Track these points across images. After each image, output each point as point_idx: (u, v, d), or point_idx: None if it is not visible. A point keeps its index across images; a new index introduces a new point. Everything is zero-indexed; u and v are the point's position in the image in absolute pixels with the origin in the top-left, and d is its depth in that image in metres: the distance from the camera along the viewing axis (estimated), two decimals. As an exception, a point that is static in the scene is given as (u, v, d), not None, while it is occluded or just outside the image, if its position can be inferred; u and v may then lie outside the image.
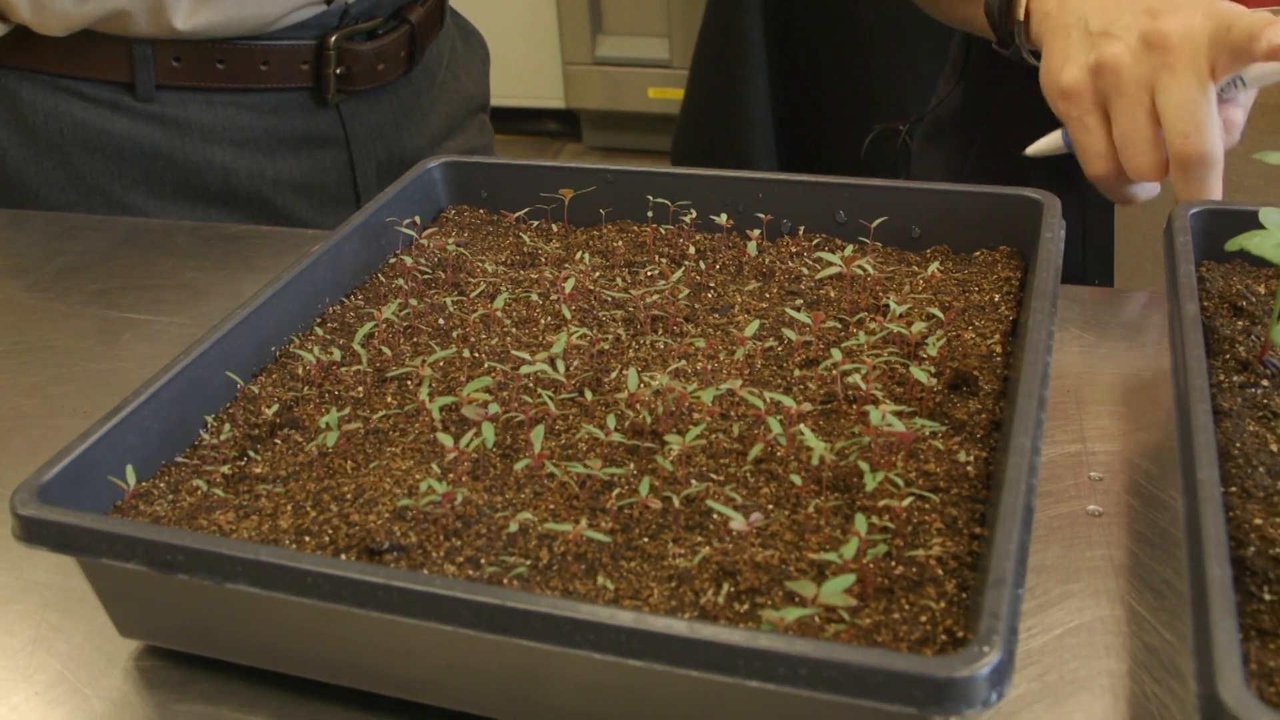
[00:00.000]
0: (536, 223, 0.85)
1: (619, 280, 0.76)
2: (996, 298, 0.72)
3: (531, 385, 0.66)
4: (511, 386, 0.65)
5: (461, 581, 0.49)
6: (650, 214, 0.82)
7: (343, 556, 0.55)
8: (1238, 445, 0.59)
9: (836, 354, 0.64)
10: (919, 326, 0.66)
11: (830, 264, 0.72)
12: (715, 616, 0.51)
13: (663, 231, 0.81)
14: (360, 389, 0.68)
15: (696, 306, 0.73)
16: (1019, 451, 0.53)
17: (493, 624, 0.48)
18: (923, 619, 0.50)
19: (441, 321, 0.73)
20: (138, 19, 1.06)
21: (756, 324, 0.68)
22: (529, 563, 0.54)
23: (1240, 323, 0.68)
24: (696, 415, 0.63)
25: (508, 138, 3.53)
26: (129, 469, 0.59)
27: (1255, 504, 0.56)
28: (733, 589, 0.52)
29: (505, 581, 0.53)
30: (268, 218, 1.19)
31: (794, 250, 0.78)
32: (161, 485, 0.61)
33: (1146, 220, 1.07)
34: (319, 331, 0.73)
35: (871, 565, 0.52)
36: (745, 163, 2.33)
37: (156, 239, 1.03)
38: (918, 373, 0.62)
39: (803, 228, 0.80)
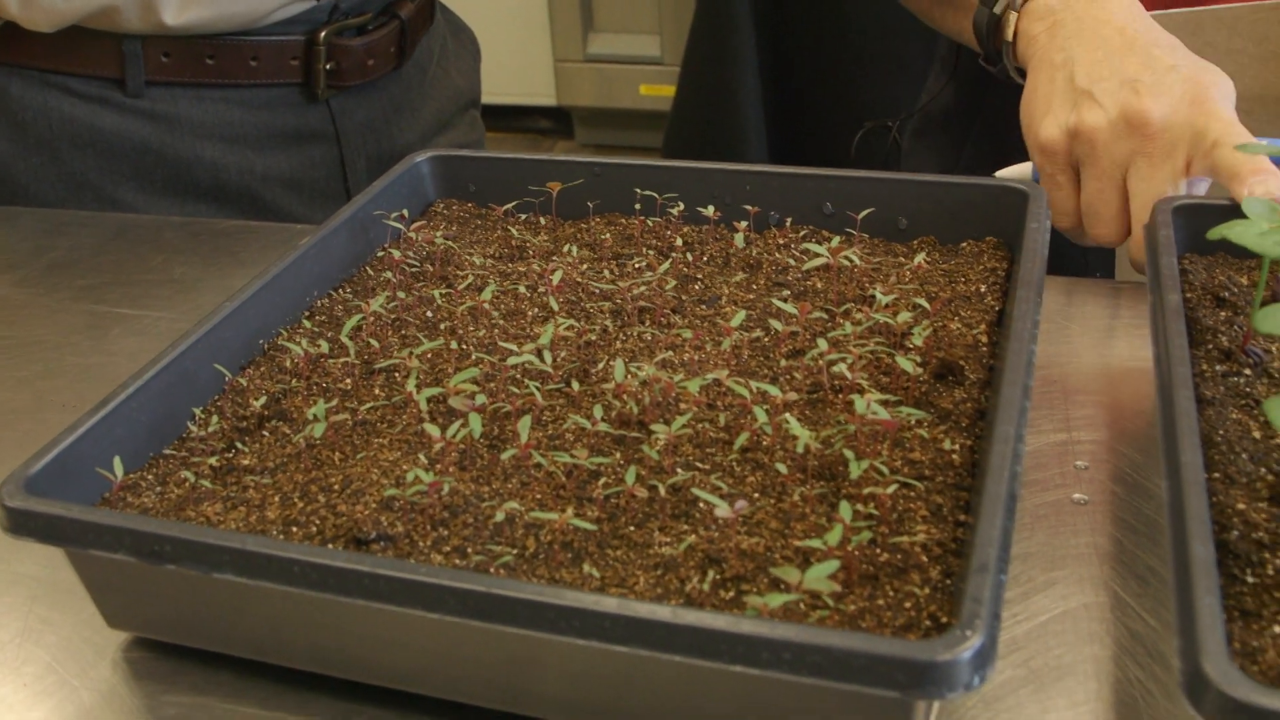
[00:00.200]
0: (525, 216, 0.85)
1: (606, 272, 0.76)
2: (983, 288, 0.72)
3: (519, 376, 0.66)
4: (499, 378, 0.66)
5: (446, 569, 0.49)
6: (638, 206, 0.82)
7: (330, 546, 0.56)
8: (1221, 432, 0.59)
9: (823, 344, 0.64)
10: (904, 316, 0.66)
11: (816, 255, 0.72)
12: (700, 603, 0.51)
13: (650, 224, 0.81)
14: (348, 381, 0.68)
15: (683, 298, 0.73)
16: (1003, 439, 0.54)
17: (478, 611, 0.48)
18: (907, 605, 0.50)
19: (429, 314, 0.73)
20: (127, 15, 1.06)
21: (743, 315, 0.68)
22: (515, 551, 0.54)
23: (1223, 313, 0.68)
24: (683, 405, 0.63)
25: (500, 135, 3.53)
26: (116, 461, 0.59)
27: (1238, 489, 0.56)
28: (718, 576, 0.52)
29: (492, 570, 0.53)
30: (258, 213, 1.19)
31: (781, 242, 0.78)
32: (149, 477, 0.62)
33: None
34: (307, 324, 0.73)
35: (856, 552, 0.52)
36: (736, 159, 2.33)
37: (146, 234, 1.04)
38: (903, 362, 0.62)
39: (790, 219, 0.80)
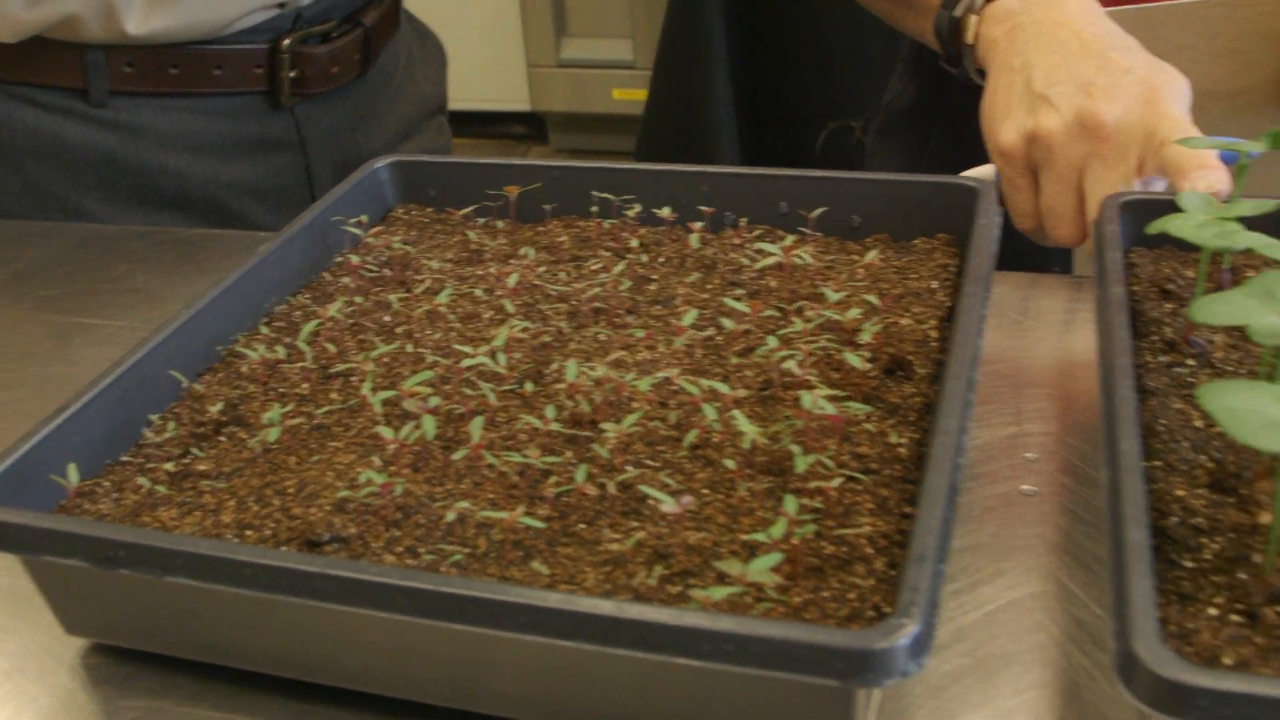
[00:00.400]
0: (484, 220, 0.86)
1: (562, 274, 0.77)
2: (934, 284, 0.73)
3: (473, 379, 0.67)
4: (454, 380, 0.66)
5: (393, 568, 0.50)
6: (594, 209, 0.83)
7: (284, 549, 0.56)
8: (1163, 422, 0.60)
9: (773, 341, 0.65)
10: (854, 313, 0.67)
11: (769, 254, 0.73)
12: (647, 598, 0.52)
13: (607, 226, 0.82)
14: (306, 386, 0.68)
15: (639, 298, 0.74)
16: (945, 432, 0.55)
17: (425, 609, 0.49)
18: (851, 596, 0.51)
19: (387, 318, 0.74)
20: (89, 24, 1.06)
21: (694, 313, 0.69)
22: (467, 551, 0.55)
23: (1168, 305, 0.69)
24: (635, 404, 0.64)
25: (474, 141, 3.53)
26: (72, 468, 0.60)
27: (1178, 477, 0.57)
28: (666, 571, 0.53)
29: (443, 569, 0.54)
30: (223, 222, 1.19)
31: (736, 242, 0.79)
32: (106, 484, 0.62)
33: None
34: (265, 330, 0.74)
35: (801, 545, 0.53)
36: (709, 161, 2.34)
37: (109, 244, 1.04)
38: (851, 358, 0.63)
39: (745, 219, 0.81)
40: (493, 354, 0.67)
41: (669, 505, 0.53)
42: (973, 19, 0.93)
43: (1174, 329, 0.67)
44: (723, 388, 0.62)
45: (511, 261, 0.79)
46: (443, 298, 0.73)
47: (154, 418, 0.66)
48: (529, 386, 0.65)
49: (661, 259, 0.78)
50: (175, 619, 0.57)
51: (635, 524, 0.56)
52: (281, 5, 1.14)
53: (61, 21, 1.05)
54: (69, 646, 0.61)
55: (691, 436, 0.60)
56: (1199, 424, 0.60)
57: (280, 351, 0.70)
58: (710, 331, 0.70)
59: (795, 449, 0.57)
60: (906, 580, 0.47)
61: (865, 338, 0.66)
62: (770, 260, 0.73)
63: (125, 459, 0.64)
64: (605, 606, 0.46)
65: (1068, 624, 0.58)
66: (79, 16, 1.05)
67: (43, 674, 0.60)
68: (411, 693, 0.55)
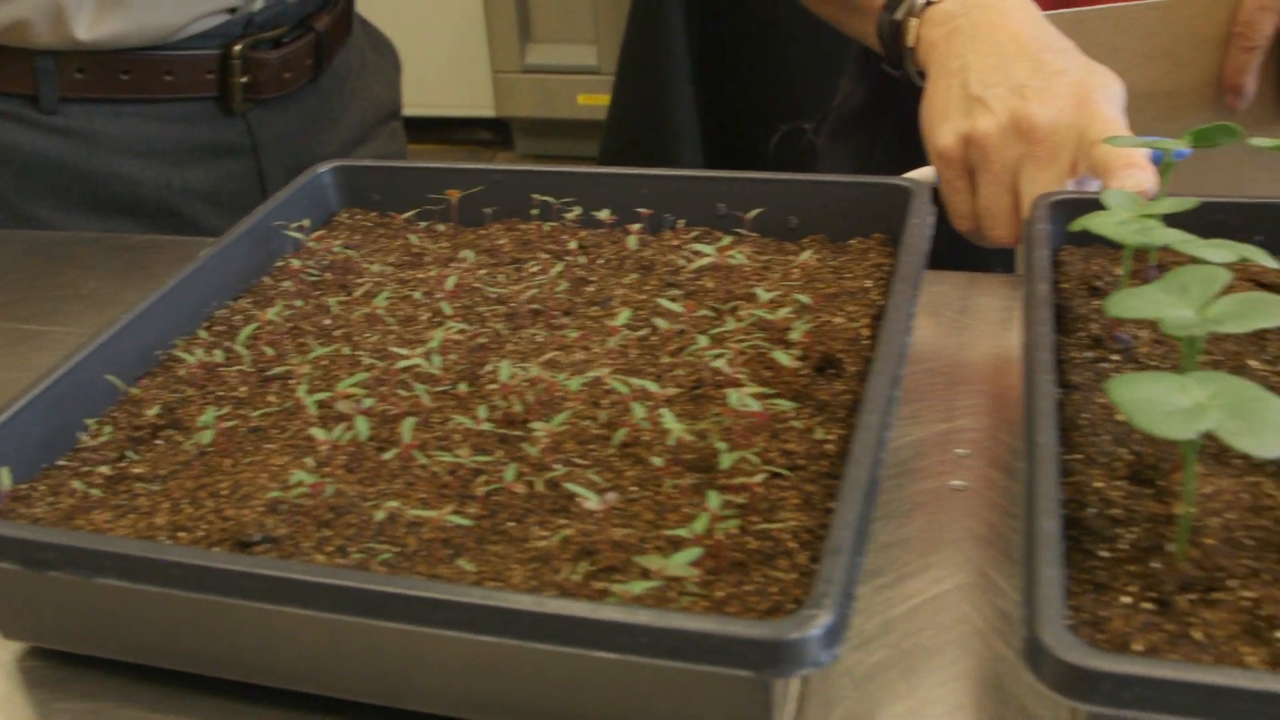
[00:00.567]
0: (425, 224, 0.86)
1: (501, 277, 0.78)
2: (868, 283, 0.74)
3: (409, 380, 0.67)
4: (389, 382, 0.67)
5: (317, 566, 0.50)
6: (535, 212, 0.83)
7: (215, 550, 0.57)
8: (1085, 415, 0.61)
9: (703, 340, 0.66)
10: (784, 312, 0.68)
11: (704, 255, 0.74)
12: (572, 593, 0.52)
13: (547, 229, 0.82)
14: (244, 389, 0.69)
15: (576, 300, 0.75)
16: (867, 427, 0.55)
17: (348, 607, 0.49)
18: (773, 590, 0.52)
19: (327, 321, 0.74)
20: (39, 29, 1.06)
21: (627, 313, 0.70)
22: (397, 549, 0.56)
23: (1096, 302, 0.70)
24: (568, 404, 0.64)
25: (439, 147, 3.54)
26: (5, 472, 0.60)
27: (1098, 469, 0.58)
28: (591, 567, 0.54)
29: (372, 568, 0.54)
30: (177, 228, 1.19)
31: (675, 243, 0.80)
32: (41, 488, 0.62)
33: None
34: (204, 335, 0.74)
35: (726, 540, 0.54)
36: (671, 164, 2.36)
37: (58, 251, 1.04)
38: (780, 356, 0.64)
39: (684, 221, 0.82)
40: (428, 355, 0.67)
41: (593, 502, 0.54)
42: (913, 22, 0.94)
43: (1100, 325, 0.68)
44: (653, 387, 0.62)
45: (451, 264, 0.79)
46: (380, 300, 0.74)
47: (90, 422, 0.67)
48: (463, 387, 0.66)
49: (600, 261, 0.79)
50: (109, 621, 0.57)
51: (563, 521, 0.57)
52: (233, 11, 1.14)
53: (10, 26, 1.05)
54: (6, 650, 0.61)
55: (621, 435, 0.61)
56: (1120, 418, 0.61)
57: (218, 355, 0.70)
58: (645, 332, 0.70)
59: (722, 446, 0.58)
60: (821, 572, 0.48)
61: (795, 336, 0.66)
62: (705, 261, 0.74)
63: (61, 463, 0.64)
64: (523, 601, 0.47)
65: (992, 615, 0.59)
66: (28, 21, 1.05)
67: (-22, 678, 0.60)
68: (343, 691, 0.56)
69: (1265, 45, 0.95)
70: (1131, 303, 0.56)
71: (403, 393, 0.66)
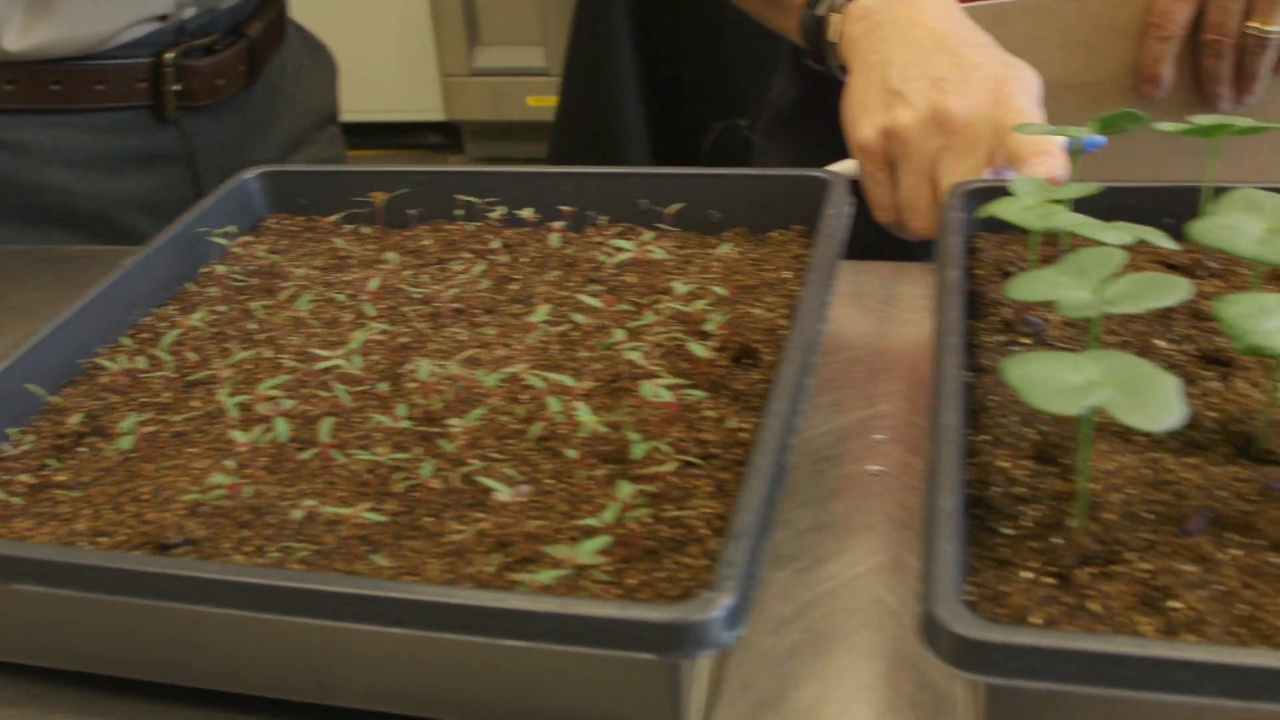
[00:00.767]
0: (353, 227, 0.87)
1: (425, 278, 0.78)
2: (787, 274, 0.75)
3: (330, 381, 0.68)
4: (310, 383, 0.67)
5: (231, 565, 0.51)
6: (459, 212, 0.84)
7: (134, 554, 0.57)
8: (993, 398, 0.63)
9: (621, 334, 0.67)
10: (701, 304, 0.69)
11: (624, 250, 0.75)
12: (486, 585, 0.53)
13: (472, 229, 0.83)
14: (167, 394, 0.69)
15: (499, 298, 0.75)
16: (774, 414, 0.57)
17: (262, 604, 0.50)
18: (684, 576, 0.53)
19: (251, 326, 0.75)
20: (-34, 41, 1.06)
21: (545, 310, 0.70)
22: (315, 548, 0.56)
23: (1008, 286, 0.72)
24: (488, 400, 0.65)
25: (389, 152, 3.53)
26: (-77, 482, 0.60)
27: (1004, 449, 0.59)
28: (506, 559, 0.54)
29: (289, 566, 0.55)
30: (112, 238, 1.19)
31: (598, 240, 0.81)
32: (-38, 498, 0.62)
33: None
34: (128, 342, 0.74)
35: (638, 528, 0.55)
36: (619, 163, 2.36)
37: (-12, 263, 1.04)
38: (695, 347, 0.65)
39: (606, 218, 0.82)
40: (348, 356, 0.68)
41: (505, 494, 0.54)
42: (835, 17, 0.95)
43: (1012, 309, 0.70)
44: (570, 381, 0.63)
45: (376, 266, 0.80)
46: (303, 304, 0.74)
47: (13, 431, 0.67)
48: (384, 387, 0.67)
49: (525, 259, 0.80)
50: (30, 628, 0.58)
51: (480, 515, 0.57)
52: (164, 18, 1.14)
53: (-63, 39, 1.05)
54: (-69, 661, 0.61)
55: (537, 429, 0.61)
56: (1028, 399, 0.63)
57: (141, 362, 0.71)
58: (565, 327, 0.71)
59: (635, 437, 0.59)
60: (723, 556, 0.48)
61: (710, 328, 0.67)
62: (625, 256, 0.74)
63: (-17, 473, 0.64)
64: (431, 593, 0.48)
65: (905, 596, 0.60)
66: (-44, 33, 1.05)
67: (-98, 689, 0.60)
68: (265, 689, 0.56)
69: (1180, 35, 0.97)
70: (1031, 285, 0.57)
71: (323, 394, 0.66)
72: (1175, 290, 0.54)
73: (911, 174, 0.86)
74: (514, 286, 0.77)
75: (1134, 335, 0.68)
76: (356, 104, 3.35)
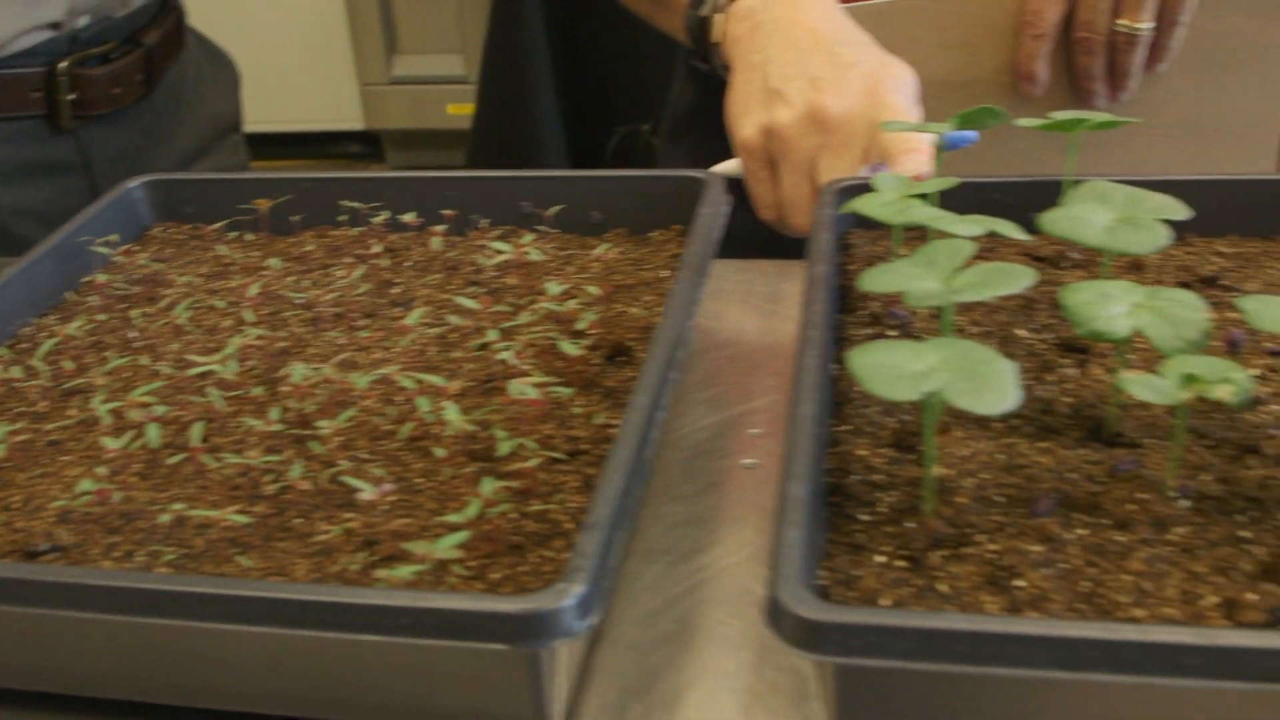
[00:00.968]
0: (237, 234, 0.87)
1: (307, 283, 0.79)
2: (665, 274, 0.77)
3: (205, 386, 0.68)
4: (185, 389, 0.68)
5: (92, 569, 0.51)
6: (343, 218, 0.84)
7: (4, 561, 0.57)
8: (857, 389, 0.64)
9: (494, 335, 0.68)
10: (574, 304, 0.70)
11: (501, 252, 0.76)
12: (351, 583, 0.54)
13: (355, 234, 0.84)
14: (44, 403, 0.69)
15: (379, 301, 0.76)
16: (636, 408, 0.58)
17: (125, 607, 0.50)
18: (547, 569, 0.54)
19: (131, 334, 0.75)
20: None
21: (419, 312, 0.71)
22: (183, 551, 0.57)
23: (877, 281, 0.74)
24: (360, 402, 0.66)
25: (310, 162, 3.51)
26: None
27: (864, 438, 0.61)
28: (372, 557, 0.55)
29: (156, 569, 0.55)
30: (9, 248, 1.17)
31: (480, 243, 0.82)
32: None
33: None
34: (6, 352, 0.74)
35: (502, 523, 0.56)
36: (537, 168, 2.37)
37: (-124, 278, 1.02)
38: (567, 346, 0.66)
39: (488, 221, 0.83)
40: (224, 361, 0.68)
41: (369, 493, 0.55)
42: (718, 18, 0.97)
43: (880, 303, 0.72)
44: (440, 382, 0.64)
45: (258, 273, 0.80)
46: (182, 310, 0.74)
47: (-117, 445, 0.66)
48: (258, 391, 0.67)
49: (408, 263, 0.81)
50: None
51: (348, 515, 0.58)
52: (56, 27, 1.14)
53: None
54: None
55: (408, 429, 0.62)
56: (891, 389, 0.64)
57: (17, 372, 0.71)
58: (441, 329, 0.72)
59: (502, 434, 0.60)
60: (577, 546, 0.50)
61: (582, 326, 0.69)
62: (503, 258, 0.75)
63: None
64: (288, 590, 0.48)
65: (772, 584, 0.62)
66: None
67: None
68: (140, 694, 0.56)
69: (1052, 33, 0.99)
70: (883, 277, 0.59)
71: (196, 399, 0.67)
72: (1020, 279, 0.56)
73: (791, 172, 0.88)
74: (395, 290, 0.78)
75: (997, 325, 0.70)
76: (275, 114, 3.33)
